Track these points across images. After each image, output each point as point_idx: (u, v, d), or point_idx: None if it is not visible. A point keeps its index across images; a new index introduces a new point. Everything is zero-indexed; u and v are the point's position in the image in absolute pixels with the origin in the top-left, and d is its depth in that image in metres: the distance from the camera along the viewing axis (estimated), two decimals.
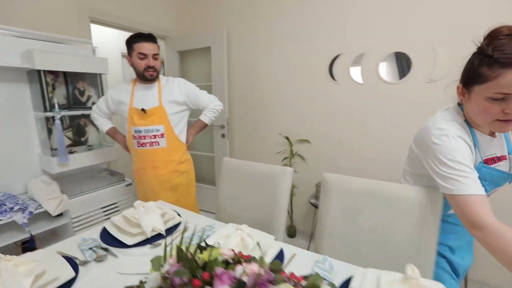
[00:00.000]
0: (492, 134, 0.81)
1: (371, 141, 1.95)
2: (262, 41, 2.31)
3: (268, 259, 0.82)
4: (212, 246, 0.61)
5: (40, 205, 1.55)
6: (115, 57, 3.35)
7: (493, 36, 0.69)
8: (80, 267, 0.81)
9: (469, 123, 0.79)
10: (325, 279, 0.74)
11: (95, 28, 2.40)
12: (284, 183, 1.09)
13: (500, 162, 0.82)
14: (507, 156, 0.84)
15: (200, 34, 2.53)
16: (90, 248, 0.91)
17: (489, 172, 0.79)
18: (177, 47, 2.73)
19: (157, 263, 0.55)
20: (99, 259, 0.86)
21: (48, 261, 0.78)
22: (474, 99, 0.73)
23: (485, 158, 0.80)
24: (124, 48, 1.51)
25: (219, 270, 0.49)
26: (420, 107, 1.75)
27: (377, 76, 1.86)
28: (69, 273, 0.75)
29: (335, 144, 2.11)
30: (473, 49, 0.76)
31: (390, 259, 0.86)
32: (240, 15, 2.38)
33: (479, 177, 0.72)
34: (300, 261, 0.84)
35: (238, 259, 0.59)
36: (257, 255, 0.76)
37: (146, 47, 1.36)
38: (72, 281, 0.75)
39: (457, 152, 0.73)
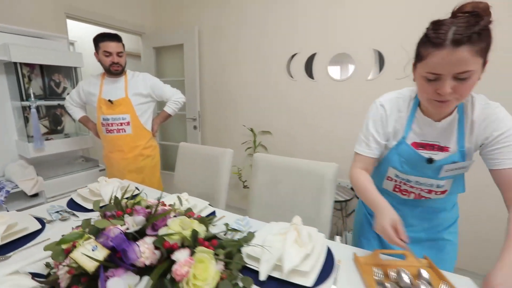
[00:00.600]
0: (439, 120, 0.78)
1: (319, 132, 2.21)
2: (229, 41, 2.51)
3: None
4: (142, 199, 0.82)
5: (16, 185, 1.71)
6: (92, 50, 3.46)
7: (452, 13, 0.66)
8: (46, 224, 1.01)
9: (419, 101, 0.80)
10: (239, 230, 0.96)
11: (74, 24, 2.53)
12: (224, 162, 1.32)
13: (439, 152, 0.80)
14: (450, 149, 0.79)
15: (174, 32, 2.70)
16: (57, 212, 1.11)
17: (406, 150, 0.82)
18: (153, 43, 2.89)
19: (97, 204, 0.76)
20: (63, 219, 1.05)
21: (20, 218, 0.97)
22: (416, 77, 0.73)
23: (421, 141, 0.81)
24: None
25: (138, 207, 0.71)
26: (358, 102, 2.01)
27: (327, 74, 2.10)
28: (37, 225, 0.95)
29: (292, 135, 2.35)
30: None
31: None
32: (210, 14, 2.57)
33: (396, 151, 0.83)
34: (227, 220, 1.07)
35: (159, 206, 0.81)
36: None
37: (110, 46, 1.54)
38: (39, 231, 0.95)
39: (370, 119, 0.86)
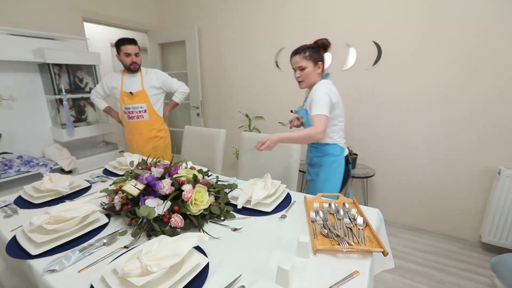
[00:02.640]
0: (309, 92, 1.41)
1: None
2: (225, 36, 2.83)
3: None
4: (161, 159, 1.22)
5: (56, 163, 2.14)
6: (105, 47, 3.82)
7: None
8: (92, 184, 1.42)
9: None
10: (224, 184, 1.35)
11: (86, 24, 2.88)
12: (219, 140, 1.70)
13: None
14: (304, 105, 1.45)
15: (176, 29, 3.03)
16: (97, 177, 1.52)
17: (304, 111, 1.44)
18: (158, 40, 3.23)
19: (131, 163, 1.15)
20: (103, 181, 1.46)
21: (75, 179, 1.38)
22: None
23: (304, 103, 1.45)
24: (112, 39, 2.01)
25: (159, 163, 1.10)
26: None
27: None
28: (87, 184, 1.36)
29: (280, 119, 2.71)
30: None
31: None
32: (208, 13, 2.89)
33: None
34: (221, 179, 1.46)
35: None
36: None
37: (129, 49, 1.90)
38: (88, 188, 1.35)
39: None
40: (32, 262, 0.80)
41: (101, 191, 1.11)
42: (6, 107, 2.10)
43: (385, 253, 0.80)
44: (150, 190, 0.98)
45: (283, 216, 1.06)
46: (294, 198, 1.23)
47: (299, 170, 1.49)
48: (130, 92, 1.98)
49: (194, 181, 1.01)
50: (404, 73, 2.07)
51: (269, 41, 2.58)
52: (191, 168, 1.14)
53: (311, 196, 1.22)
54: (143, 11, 3.14)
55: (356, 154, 2.24)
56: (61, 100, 2.22)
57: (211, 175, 1.48)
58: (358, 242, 0.85)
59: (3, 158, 2.00)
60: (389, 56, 2.09)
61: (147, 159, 1.25)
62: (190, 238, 0.75)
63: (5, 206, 1.18)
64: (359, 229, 0.93)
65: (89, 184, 1.37)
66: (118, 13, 2.88)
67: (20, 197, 1.24)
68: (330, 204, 1.11)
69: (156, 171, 1.04)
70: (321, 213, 1.03)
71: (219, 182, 1.25)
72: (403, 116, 2.14)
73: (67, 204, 0.98)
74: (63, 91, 2.19)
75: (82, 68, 2.45)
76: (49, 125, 2.38)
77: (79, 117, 2.52)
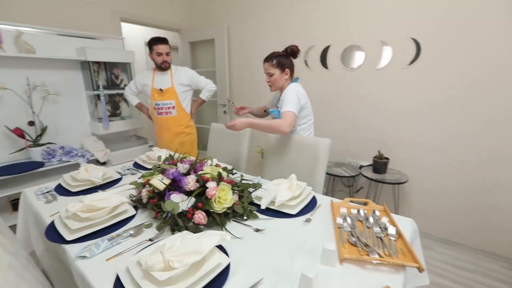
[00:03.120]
0: (280, 95, 1.55)
1: (335, 118, 2.46)
2: (253, 35, 2.82)
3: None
4: (187, 155, 1.23)
5: (92, 155, 2.28)
6: (140, 45, 4.01)
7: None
8: (123, 176, 1.48)
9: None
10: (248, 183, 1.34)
11: (124, 25, 3.04)
12: (245, 138, 1.69)
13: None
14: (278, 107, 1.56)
15: (206, 28, 3.08)
16: (128, 169, 1.59)
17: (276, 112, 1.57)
18: (188, 38, 3.31)
19: (159, 158, 1.18)
20: (133, 173, 1.52)
21: (107, 170, 1.46)
22: None
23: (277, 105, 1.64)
24: (146, 38, 2.09)
25: (185, 159, 1.12)
26: (368, 88, 2.23)
27: (340, 64, 2.33)
28: (118, 176, 1.43)
29: None
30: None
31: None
32: (237, 13, 2.89)
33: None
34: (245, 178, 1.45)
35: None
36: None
37: (161, 48, 1.96)
38: (119, 180, 1.42)
39: None
40: (67, 247, 0.85)
41: (130, 183, 1.15)
42: (52, 102, 2.28)
43: (420, 269, 0.73)
44: (175, 185, 0.99)
45: (308, 220, 1.02)
46: (320, 202, 1.18)
47: (326, 173, 1.43)
48: (160, 89, 2.05)
49: (219, 178, 1.01)
50: (442, 72, 1.90)
51: (298, 39, 2.52)
52: (216, 165, 1.14)
53: (338, 200, 1.17)
54: (175, 11, 3.24)
55: (387, 159, 2.11)
56: (98, 96, 2.36)
57: (236, 173, 1.47)
58: (390, 255, 0.78)
59: (47, 148, 2.18)
60: (428, 54, 1.94)
61: (174, 154, 1.27)
62: (212, 236, 0.75)
63: (47, 192, 1.27)
64: (390, 239, 0.87)
65: (120, 176, 1.44)
66: (153, 13, 3.00)
67: (59, 185, 1.34)
68: (358, 211, 1.05)
69: (182, 167, 1.05)
70: (348, 220, 0.98)
71: (243, 181, 1.24)
72: (441, 117, 1.97)
73: (99, 194, 1.03)
74: (101, 87, 2.33)
75: (118, 65, 2.59)
76: (88, 119, 2.55)
77: (114, 112, 2.67)
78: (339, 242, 0.85)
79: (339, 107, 2.43)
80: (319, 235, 0.93)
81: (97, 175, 1.32)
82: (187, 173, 1.05)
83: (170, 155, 1.16)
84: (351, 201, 1.14)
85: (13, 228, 1.23)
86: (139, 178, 1.16)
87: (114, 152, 2.43)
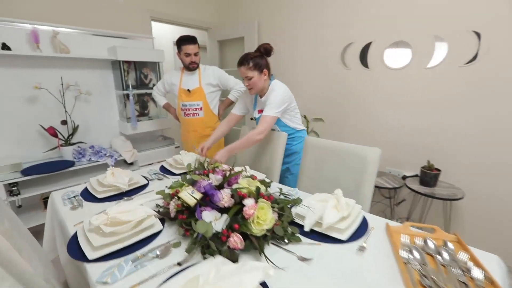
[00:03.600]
0: (261, 97, 1.56)
1: (375, 120, 2.23)
2: (286, 32, 2.66)
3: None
4: (219, 164, 1.11)
5: (120, 155, 2.26)
6: (169, 45, 4.01)
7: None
8: (149, 181, 1.40)
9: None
10: (289, 196, 1.18)
11: (153, 24, 3.02)
12: (279, 143, 1.54)
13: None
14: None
15: (236, 26, 2.97)
16: (154, 174, 1.51)
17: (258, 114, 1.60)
18: (217, 37, 3.23)
19: (189, 166, 1.07)
20: (159, 179, 1.44)
21: (134, 175, 1.38)
22: None
23: (258, 109, 1.61)
24: (174, 38, 2.00)
25: (217, 169, 0.99)
26: (416, 91, 1.97)
27: (382, 62, 2.10)
28: (144, 181, 1.35)
29: (343, 122, 2.43)
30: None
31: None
32: (269, 9, 2.75)
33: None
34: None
35: (231, 170, 1.08)
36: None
37: (189, 48, 1.87)
38: (145, 185, 1.34)
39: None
40: (88, 266, 0.76)
41: (157, 193, 1.05)
42: (84, 101, 2.29)
43: None
44: (207, 200, 0.87)
45: (362, 248, 0.85)
46: (371, 223, 0.99)
47: (375, 186, 1.24)
48: (188, 89, 1.97)
49: (257, 194, 0.87)
50: (509, 72, 1.61)
51: (335, 36, 2.32)
52: (252, 177, 1.00)
53: (395, 223, 0.98)
54: (205, 9, 3.17)
55: (438, 170, 1.85)
56: (128, 95, 2.33)
57: (270, 182, 1.33)
58: None
59: (78, 147, 2.19)
60: (492, 50, 1.65)
61: (205, 160, 1.15)
62: (254, 272, 0.60)
63: (74, 197, 1.22)
64: (477, 286, 0.67)
65: (146, 182, 1.35)
66: (182, 12, 2.95)
67: (86, 189, 1.28)
68: (425, 241, 0.85)
69: (215, 179, 0.93)
70: (415, 253, 0.79)
71: (281, 196, 1.09)
72: (508, 126, 1.67)
73: (124, 204, 0.94)
74: (130, 86, 2.30)
75: (148, 65, 2.56)
76: (117, 118, 2.54)
77: (142, 112, 2.65)
78: (409, 284, 0.67)
79: (379, 110, 2.19)
80: (379, 270, 0.75)
81: (123, 180, 1.24)
82: (220, 186, 0.92)
83: (200, 164, 1.04)
84: (413, 226, 0.94)
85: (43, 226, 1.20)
86: (166, 187, 1.05)
87: (141, 152, 2.40)
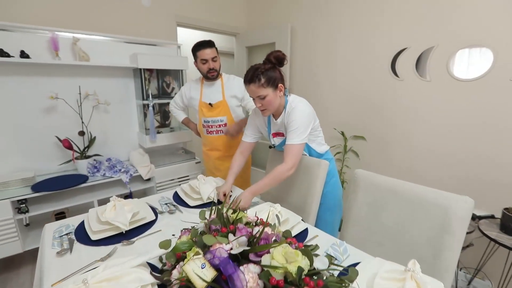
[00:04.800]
0: (276, 119, 1.29)
1: (433, 143, 1.82)
2: (324, 36, 2.34)
3: (292, 234, 0.98)
4: (242, 211, 0.82)
5: (136, 170, 2.08)
6: None
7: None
8: (158, 214, 1.16)
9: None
10: (336, 258, 0.86)
11: (179, 30, 2.87)
12: (319, 173, 1.21)
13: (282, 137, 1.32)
14: (283, 134, 1.30)
15: (266, 30, 2.72)
16: (166, 204, 1.26)
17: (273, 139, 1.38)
18: (246, 43, 3.00)
19: (202, 214, 0.80)
20: (171, 212, 1.19)
21: (141, 206, 1.15)
22: None
23: (273, 132, 1.36)
24: None
25: (240, 225, 0.70)
26: (499, 109, 1.54)
27: (447, 72, 1.70)
28: (152, 216, 1.10)
29: (391, 143, 2.03)
30: None
31: (406, 257, 0.91)
32: (304, 11, 2.46)
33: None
34: (320, 241, 0.97)
35: (260, 223, 0.79)
36: (285, 228, 0.96)
37: (206, 53, 1.59)
38: (153, 222, 1.09)
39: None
40: None
41: (160, 246, 0.79)
42: (103, 111, 2.15)
43: None
44: (223, 279, 0.58)
45: None
46: None
47: (463, 247, 0.87)
48: (210, 104, 1.71)
49: (299, 280, 0.56)
50: None
51: (385, 41, 1.96)
52: (289, 239, 0.69)
53: None
54: (233, 13, 2.96)
55: None
56: (148, 105, 2.16)
57: (306, 231, 1.02)
58: None
59: (94, 160, 2.04)
60: None
61: (225, 206, 0.85)
62: None
63: (66, 234, 1.00)
64: None
65: (153, 217, 1.11)
66: (210, 17, 2.76)
67: (82, 224, 1.06)
68: None
69: (236, 244, 0.64)
70: None
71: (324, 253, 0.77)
72: None
73: (111, 270, 0.68)
74: (150, 96, 2.13)
75: (170, 73, 2.39)
76: (137, 129, 2.39)
77: (163, 123, 2.47)
78: None
79: (441, 130, 1.78)
80: None
81: (124, 217, 1.00)
82: (244, 256, 0.63)
83: (223, 219, 0.74)
84: None
85: None
86: (173, 237, 0.79)
87: (159, 168, 2.20)
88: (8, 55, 1.67)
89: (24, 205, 1.65)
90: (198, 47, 1.61)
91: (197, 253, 0.64)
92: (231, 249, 0.64)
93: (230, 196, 1.30)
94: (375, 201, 1.02)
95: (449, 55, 1.67)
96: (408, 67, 1.86)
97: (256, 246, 0.62)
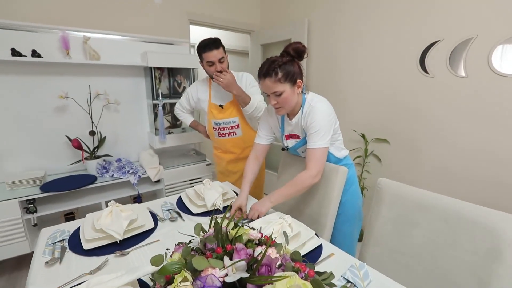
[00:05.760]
0: (291, 119, 1.15)
1: (464, 149, 1.61)
2: (344, 31, 2.18)
3: (304, 251, 0.85)
4: (243, 226, 0.71)
5: (145, 171, 2.03)
6: None
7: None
8: (159, 222, 1.07)
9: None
10: (355, 285, 0.73)
11: (192, 28, 2.81)
12: (336, 181, 1.07)
13: (297, 139, 1.19)
14: (300, 136, 1.17)
15: (281, 27, 2.60)
16: (168, 210, 1.18)
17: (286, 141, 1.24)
18: (261, 40, 2.89)
19: (198, 228, 0.69)
20: (172, 219, 1.10)
21: (140, 212, 1.07)
22: None
23: (286, 134, 1.22)
24: None
25: (239, 245, 0.59)
26: None
27: (488, 67, 1.49)
28: (151, 224, 1.01)
29: (418, 147, 1.84)
30: None
31: (440, 285, 0.76)
32: (323, 4, 2.31)
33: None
34: (336, 262, 0.84)
35: (264, 241, 0.67)
36: (295, 245, 0.83)
37: (212, 55, 1.46)
38: (152, 230, 1.00)
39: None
40: None
41: (152, 262, 0.69)
42: (113, 110, 2.13)
43: None
44: None
45: None
46: None
47: None
48: (220, 105, 1.61)
49: None
50: None
51: (413, 33, 1.77)
52: (299, 265, 0.56)
53: None
54: (248, 10, 2.86)
55: None
56: (158, 105, 2.10)
57: (320, 248, 0.89)
58: None
59: (103, 160, 2.01)
60: None
61: (227, 225, 0.73)
62: None
63: (59, 241, 0.94)
64: None
65: (153, 225, 1.02)
66: (224, 14, 2.68)
67: (77, 231, 0.99)
68: None
69: (231, 270, 0.52)
70: None
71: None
72: None
73: (100, 281, 0.59)
74: (160, 96, 2.07)
75: (182, 72, 2.32)
76: (147, 129, 2.35)
77: (175, 123, 2.41)
78: None
79: (479, 133, 1.57)
80: None
81: (120, 225, 0.92)
82: (241, 284, 0.52)
83: (220, 235, 0.62)
84: None
85: None
86: (167, 252, 0.68)
87: (168, 169, 2.13)
88: (20, 55, 1.67)
89: (32, 205, 1.64)
90: (203, 48, 1.48)
91: (185, 279, 0.53)
92: (226, 274, 0.52)
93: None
94: (402, 216, 0.87)
95: (489, 47, 1.46)
96: (440, 62, 1.66)
97: (255, 277, 0.50)
